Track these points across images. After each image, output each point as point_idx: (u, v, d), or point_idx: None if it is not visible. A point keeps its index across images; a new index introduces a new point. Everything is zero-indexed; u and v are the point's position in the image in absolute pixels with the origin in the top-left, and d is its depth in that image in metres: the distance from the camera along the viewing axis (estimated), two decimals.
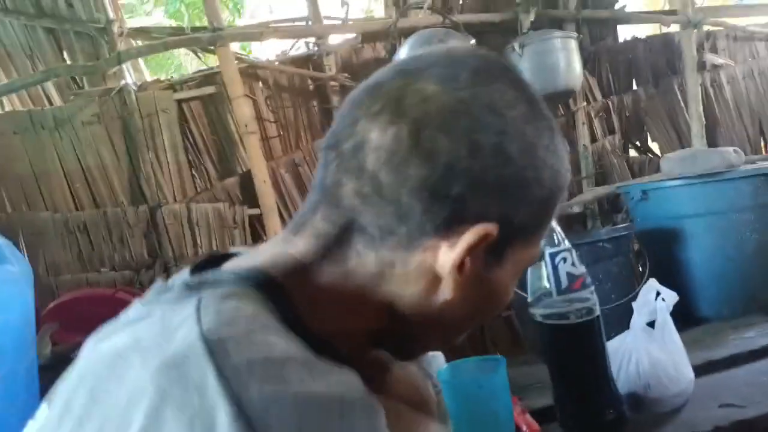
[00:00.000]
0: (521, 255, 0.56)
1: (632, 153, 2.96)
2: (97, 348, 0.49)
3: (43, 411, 0.49)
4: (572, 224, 2.67)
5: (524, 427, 1.16)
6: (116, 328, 0.50)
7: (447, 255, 0.50)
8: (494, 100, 0.50)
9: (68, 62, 2.32)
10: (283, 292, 0.50)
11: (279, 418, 0.39)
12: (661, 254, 2.00)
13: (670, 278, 1.21)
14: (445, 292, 0.53)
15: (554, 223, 1.10)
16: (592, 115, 2.84)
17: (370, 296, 0.53)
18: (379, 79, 0.53)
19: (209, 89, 2.31)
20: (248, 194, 2.35)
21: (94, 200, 2.24)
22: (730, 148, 1.99)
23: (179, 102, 2.30)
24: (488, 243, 0.51)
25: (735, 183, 1.88)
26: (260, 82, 2.41)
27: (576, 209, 2.52)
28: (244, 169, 2.37)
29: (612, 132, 2.89)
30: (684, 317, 1.82)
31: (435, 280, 0.52)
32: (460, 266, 0.51)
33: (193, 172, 2.35)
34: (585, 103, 2.81)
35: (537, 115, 0.53)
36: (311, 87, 2.47)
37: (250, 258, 0.55)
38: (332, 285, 0.52)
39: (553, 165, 0.54)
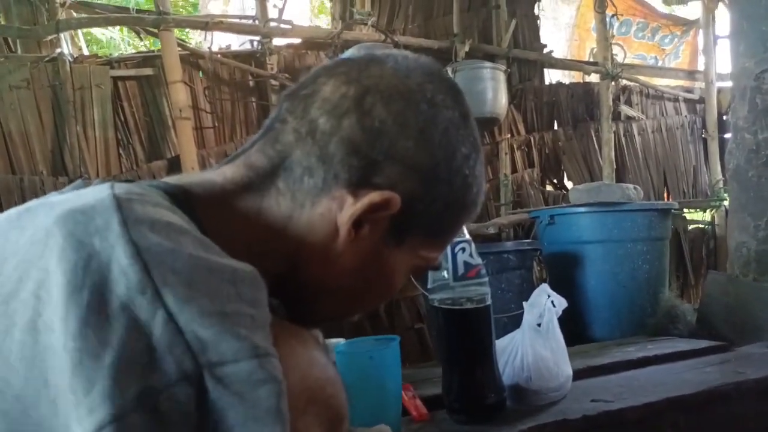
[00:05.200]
0: (420, 250, 0.60)
1: (549, 187, 3.15)
2: (6, 212, 0.50)
3: None
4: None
5: (413, 411, 1.21)
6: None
7: (350, 208, 0.54)
8: (434, 98, 0.57)
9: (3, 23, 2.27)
10: (196, 209, 0.52)
11: (173, 269, 0.40)
12: (562, 276, 2.14)
13: (569, 300, 1.31)
14: (341, 246, 0.55)
15: None
16: (515, 147, 3.02)
17: (274, 238, 0.56)
18: (351, 55, 0.60)
19: (147, 71, 2.30)
20: None
21: (11, 166, 2.17)
22: (631, 185, 2.18)
23: (115, 80, 2.28)
24: (390, 216, 0.55)
25: (632, 215, 2.07)
26: (200, 72, 2.42)
27: (492, 230, 2.65)
28: (174, 154, 2.36)
29: (532, 165, 3.07)
30: (578, 338, 1.96)
31: (335, 232, 0.55)
32: (358, 225, 0.55)
33: (120, 151, 2.32)
34: (509, 136, 2.98)
35: (467, 128, 0.60)
36: (251, 83, 2.51)
37: (173, 178, 0.57)
38: (244, 218, 0.55)
39: (467, 176, 0.59)
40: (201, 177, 0.57)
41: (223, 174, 0.57)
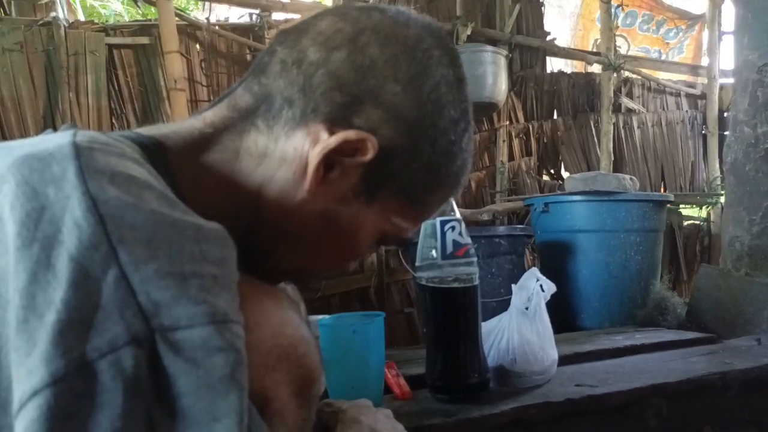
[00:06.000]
0: (392, 214, 0.57)
1: (545, 177, 3.14)
2: None
3: None
4: None
5: (396, 389, 1.20)
6: None
7: (322, 143, 0.51)
8: (430, 52, 0.55)
9: None
10: (167, 159, 0.49)
11: (132, 224, 0.37)
12: (554, 265, 2.13)
13: (560, 288, 1.29)
14: (308, 185, 0.52)
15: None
16: (513, 135, 3.00)
17: (246, 178, 0.53)
18: (358, 2, 0.58)
19: (143, 39, 2.27)
20: None
21: (2, 130, 2.14)
22: (627, 176, 2.17)
23: (110, 47, 2.25)
24: (364, 164, 0.52)
25: (626, 205, 2.05)
26: (197, 44, 2.39)
27: (486, 217, 2.64)
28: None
29: (529, 154, 3.06)
30: (567, 326, 1.96)
31: (305, 168, 0.52)
32: (329, 166, 0.52)
33: (113, 120, 2.29)
34: (508, 123, 2.96)
35: (459, 92, 0.57)
36: (249, 57, 2.48)
37: (147, 129, 0.53)
38: (219, 163, 0.53)
39: (452, 141, 0.56)
40: (179, 125, 0.54)
41: (203, 119, 0.54)
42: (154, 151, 0.49)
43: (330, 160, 0.52)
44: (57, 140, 0.42)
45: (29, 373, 0.33)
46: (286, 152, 0.52)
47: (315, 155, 0.51)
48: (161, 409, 0.35)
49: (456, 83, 0.57)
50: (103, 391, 0.33)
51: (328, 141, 0.51)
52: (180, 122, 0.55)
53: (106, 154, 0.42)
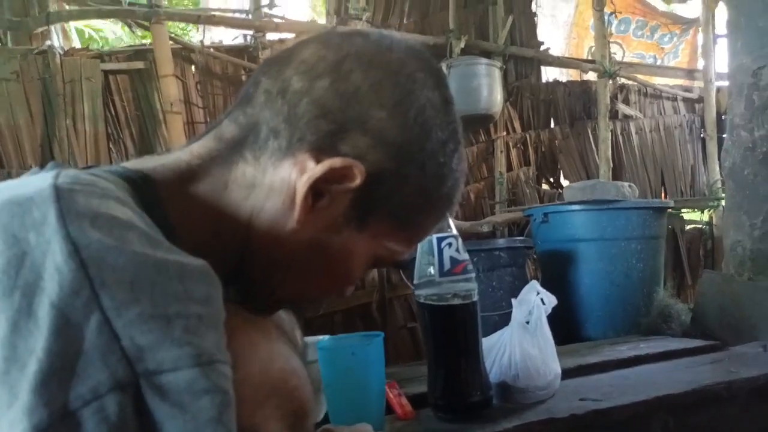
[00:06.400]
0: (384, 239, 0.56)
1: (544, 186, 3.13)
2: None
3: None
4: None
5: (398, 409, 1.18)
6: None
7: (309, 172, 0.51)
8: (414, 75, 0.54)
9: None
10: (156, 193, 0.49)
11: (114, 268, 0.37)
12: (556, 275, 2.12)
13: (562, 299, 1.29)
14: (297, 215, 0.52)
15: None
16: (511, 145, 3.00)
17: (235, 210, 0.52)
18: (340, 29, 0.58)
19: (138, 64, 2.28)
20: None
21: (0, 159, 2.15)
22: (626, 183, 2.16)
23: (105, 73, 2.26)
24: (352, 191, 0.51)
25: (626, 213, 2.04)
26: (192, 66, 2.41)
27: (486, 228, 2.63)
28: (165, 149, 2.34)
29: (527, 164, 3.05)
30: (570, 337, 1.94)
31: (293, 198, 0.52)
32: (318, 195, 0.51)
33: (111, 146, 2.30)
34: (505, 133, 2.96)
35: (447, 114, 0.56)
36: (244, 77, 2.49)
37: (134, 162, 0.53)
38: (208, 195, 0.52)
39: (442, 164, 0.55)
40: (167, 158, 0.54)
41: (190, 151, 0.54)
42: (141, 186, 0.49)
43: (318, 189, 0.51)
44: (37, 183, 0.42)
45: (11, 425, 0.33)
46: (274, 183, 0.52)
47: (302, 184, 0.51)
48: None
49: (442, 105, 0.56)
50: None
51: (314, 170, 0.50)
52: (167, 155, 0.54)
53: (87, 196, 0.41)
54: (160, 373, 0.35)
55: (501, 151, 2.93)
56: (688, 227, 3.30)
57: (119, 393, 0.34)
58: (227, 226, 0.53)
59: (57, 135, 2.17)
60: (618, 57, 3.13)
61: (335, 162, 0.50)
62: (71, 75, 2.19)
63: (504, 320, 1.58)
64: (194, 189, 0.52)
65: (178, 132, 2.25)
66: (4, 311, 0.35)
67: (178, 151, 0.55)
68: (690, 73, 3.71)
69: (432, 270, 1.14)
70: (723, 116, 3.38)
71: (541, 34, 3.21)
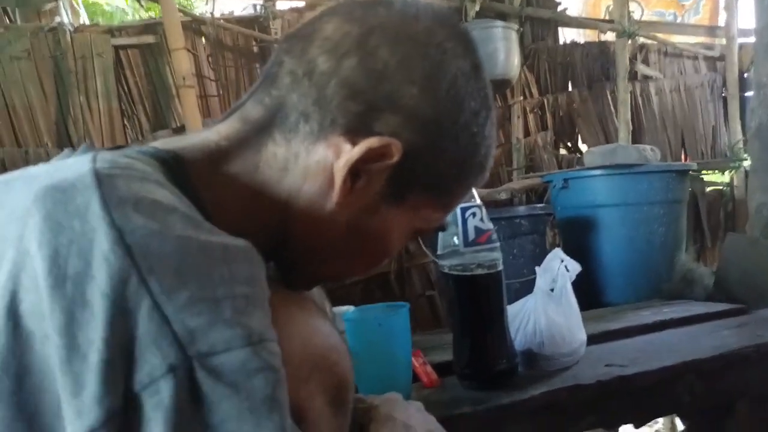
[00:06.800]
0: (421, 209, 0.57)
1: (562, 151, 3.09)
2: None
3: None
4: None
5: (424, 377, 1.19)
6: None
7: (346, 154, 0.51)
8: (443, 44, 0.53)
9: None
10: (188, 174, 0.49)
11: (160, 253, 0.37)
12: (577, 242, 2.11)
13: (583, 265, 1.28)
14: (336, 198, 0.52)
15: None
16: (528, 110, 2.95)
17: (270, 192, 0.53)
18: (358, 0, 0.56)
19: (149, 38, 2.26)
20: None
21: (16, 138, 2.15)
22: (648, 146, 2.12)
23: (116, 48, 2.24)
24: (389, 168, 0.51)
25: (648, 177, 2.01)
26: (203, 38, 2.38)
27: (503, 196, 2.61)
28: (179, 124, 2.33)
29: (545, 128, 3.01)
30: (592, 303, 1.94)
31: (330, 181, 0.52)
32: (355, 175, 0.51)
33: (125, 122, 2.29)
34: (522, 98, 2.91)
35: (478, 81, 0.55)
36: (255, 49, 2.46)
37: (164, 142, 0.53)
38: (240, 176, 0.52)
39: (475, 133, 0.55)
40: (195, 138, 0.54)
41: (218, 132, 0.53)
42: (174, 166, 0.49)
43: (355, 170, 0.51)
44: (76, 168, 0.42)
45: (80, 413, 0.34)
46: (309, 166, 0.52)
47: (340, 168, 0.51)
48: None
49: (472, 72, 0.55)
50: (147, 422, 0.34)
51: (351, 152, 0.50)
52: (194, 135, 0.54)
53: (127, 180, 0.42)
54: (213, 354, 0.36)
55: (518, 117, 2.88)
56: (708, 189, 3.25)
57: (173, 376, 0.35)
58: (263, 208, 0.53)
59: (71, 112, 2.16)
60: (636, 16, 3.04)
61: (372, 142, 0.50)
62: (82, 51, 2.18)
63: (525, 287, 1.58)
64: (225, 170, 0.52)
65: (192, 106, 2.24)
66: (57, 301, 0.36)
67: (205, 131, 0.54)
68: (711, 30, 3.60)
69: (456, 240, 1.13)
70: (745, 75, 3.30)
71: None
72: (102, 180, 0.40)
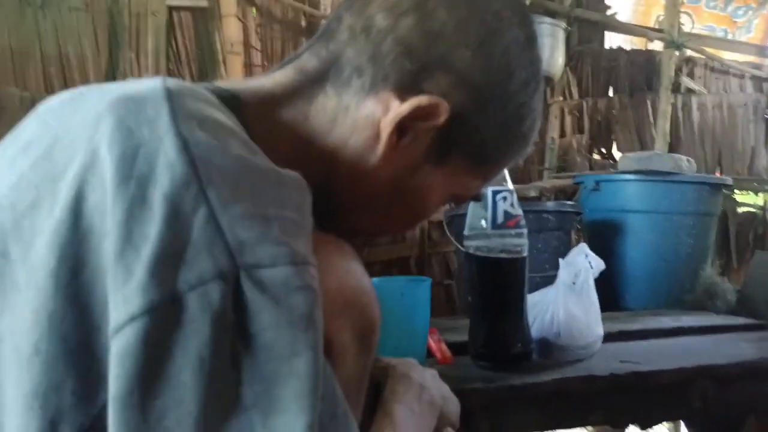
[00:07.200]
0: (461, 175, 0.58)
1: (596, 156, 3.07)
2: (60, 95, 0.51)
3: None
4: None
5: (438, 354, 1.22)
6: None
7: (395, 110, 0.53)
8: (500, 13, 0.55)
9: None
10: (244, 113, 0.51)
11: (220, 167, 0.39)
12: (602, 244, 2.09)
13: (606, 268, 1.28)
14: (381, 152, 0.54)
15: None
16: (566, 111, 2.93)
17: (318, 142, 0.55)
18: None
19: (202, 2, 2.30)
20: None
21: (66, 87, 2.20)
22: (684, 157, 2.11)
23: (170, 9, 2.29)
24: (435, 128, 0.53)
25: (682, 187, 2.00)
26: (254, 8, 2.41)
27: (533, 193, 2.61)
28: None
29: (581, 131, 2.99)
30: (612, 307, 1.93)
31: (377, 135, 0.54)
32: (401, 132, 0.53)
33: None
34: (561, 98, 2.90)
35: (531, 52, 0.57)
36: (304, 23, 2.49)
37: (223, 83, 0.56)
38: (290, 122, 0.54)
39: (523, 103, 0.57)
40: (251, 83, 0.56)
41: (273, 79, 0.56)
42: (232, 103, 0.51)
43: (402, 126, 0.53)
44: (150, 84, 0.45)
45: (126, 300, 0.36)
46: (358, 120, 0.54)
47: (388, 123, 0.53)
48: (244, 341, 0.37)
49: (526, 43, 0.57)
50: (192, 321, 0.36)
51: (400, 108, 0.52)
52: (251, 80, 0.57)
53: (194, 99, 0.44)
54: (260, 267, 0.38)
55: (555, 117, 2.87)
56: (740, 210, 3.20)
57: (222, 281, 0.37)
58: (309, 156, 0.55)
59: (121, 67, 2.21)
60: (687, 28, 3.00)
61: (421, 100, 0.52)
62: (137, 9, 2.22)
63: (546, 282, 1.59)
64: (277, 115, 0.54)
65: (237, 73, 2.27)
66: (120, 197, 0.38)
67: (261, 77, 0.57)
68: (762, 50, 3.52)
69: (484, 222, 1.15)
70: None
71: None
72: (172, 96, 0.43)
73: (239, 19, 2.31)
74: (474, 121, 0.55)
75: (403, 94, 0.52)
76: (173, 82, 0.46)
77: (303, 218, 0.43)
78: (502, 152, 0.60)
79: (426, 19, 0.52)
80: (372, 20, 0.53)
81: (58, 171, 0.41)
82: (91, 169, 0.40)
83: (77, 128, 0.43)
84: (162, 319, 0.35)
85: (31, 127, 0.49)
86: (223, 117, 0.45)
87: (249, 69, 2.40)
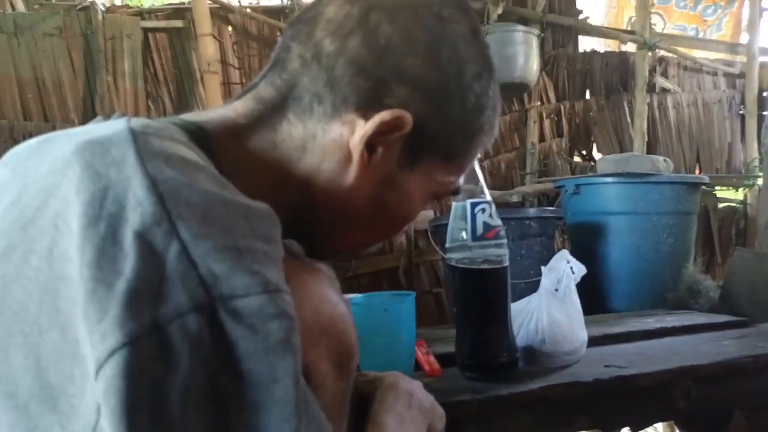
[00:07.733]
0: (435, 173, 0.59)
1: (576, 159, 3.10)
2: (27, 142, 0.52)
3: None
4: None
5: (426, 366, 1.22)
6: None
7: (361, 130, 0.53)
8: (441, 12, 0.56)
9: None
10: (211, 144, 0.52)
11: (189, 202, 0.40)
12: (585, 247, 2.12)
13: (589, 271, 1.29)
14: (355, 172, 0.55)
15: (481, 179, 1.18)
16: (544, 115, 2.97)
17: (289, 170, 0.55)
18: None
19: (177, 23, 2.31)
20: None
21: (44, 113, 2.21)
22: (661, 157, 2.14)
23: (145, 31, 2.29)
24: (402, 137, 0.54)
25: (660, 187, 2.02)
26: (230, 26, 2.42)
27: (515, 198, 2.63)
28: (201, 108, 2.37)
29: (560, 135, 3.02)
30: (596, 309, 1.95)
31: (348, 157, 0.54)
32: (371, 148, 0.54)
33: (149, 103, 2.34)
34: (539, 103, 2.93)
35: (477, 43, 0.58)
36: (279, 39, 2.49)
37: (189, 115, 0.56)
38: (259, 151, 0.55)
39: (479, 95, 0.58)
40: (214, 113, 0.57)
41: (234, 109, 0.56)
42: (198, 136, 0.52)
43: (371, 143, 0.54)
44: (114, 127, 0.46)
45: (103, 337, 0.36)
46: (327, 145, 0.55)
47: (356, 143, 0.54)
48: (224, 371, 0.38)
49: (472, 36, 0.58)
50: (174, 351, 0.36)
51: (365, 127, 0.53)
52: (213, 111, 0.57)
53: (159, 138, 0.45)
54: (234, 298, 0.38)
55: (534, 121, 2.90)
56: (721, 205, 3.25)
57: (198, 313, 0.37)
58: (282, 184, 0.56)
59: (98, 90, 2.21)
60: (658, 28, 3.05)
61: (384, 115, 0.53)
62: (112, 32, 2.23)
63: (531, 288, 1.60)
64: (244, 145, 0.55)
65: (215, 92, 2.28)
66: (89, 238, 0.38)
67: (222, 108, 0.57)
68: (732, 47, 3.59)
69: (464, 234, 1.15)
70: (764, 93, 3.29)
71: (580, 1, 3.13)
72: (137, 136, 0.43)
73: (215, 37, 2.32)
74: (438, 122, 0.56)
75: (365, 112, 0.53)
76: (137, 123, 0.46)
77: (273, 248, 0.43)
78: (470, 143, 0.61)
79: (371, 36, 0.53)
80: (320, 46, 0.54)
81: (27, 218, 0.42)
82: (62, 215, 0.40)
83: (45, 175, 0.44)
84: (143, 351, 0.35)
85: None
86: (190, 153, 0.46)
87: (227, 87, 2.41)
